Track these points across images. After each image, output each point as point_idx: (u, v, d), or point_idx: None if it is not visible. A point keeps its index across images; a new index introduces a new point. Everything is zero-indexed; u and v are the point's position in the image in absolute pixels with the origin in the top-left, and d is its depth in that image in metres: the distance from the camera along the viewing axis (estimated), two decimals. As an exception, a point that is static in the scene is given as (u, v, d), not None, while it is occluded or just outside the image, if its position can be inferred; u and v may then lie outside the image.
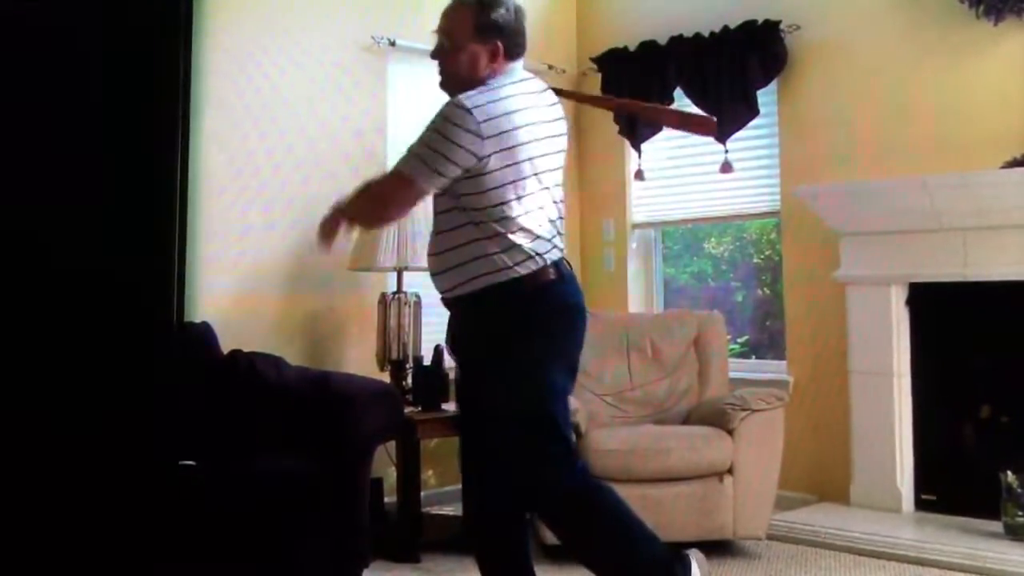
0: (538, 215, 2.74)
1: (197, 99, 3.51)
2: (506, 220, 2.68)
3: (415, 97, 5.11)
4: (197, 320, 3.93)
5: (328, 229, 2.82)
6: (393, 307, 4.49)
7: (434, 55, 2.82)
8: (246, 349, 3.93)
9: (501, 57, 2.75)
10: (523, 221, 2.70)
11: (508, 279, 2.69)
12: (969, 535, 4.04)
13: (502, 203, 2.68)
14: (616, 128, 5.33)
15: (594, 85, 5.41)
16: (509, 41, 2.76)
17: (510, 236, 2.68)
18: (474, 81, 2.73)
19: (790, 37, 4.87)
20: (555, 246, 2.77)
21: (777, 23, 4.86)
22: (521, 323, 2.71)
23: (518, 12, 2.80)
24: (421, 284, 4.64)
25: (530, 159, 2.70)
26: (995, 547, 3.88)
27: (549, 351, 2.72)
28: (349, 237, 2.65)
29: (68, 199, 2.21)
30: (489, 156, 2.63)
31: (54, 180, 2.18)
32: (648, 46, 5.20)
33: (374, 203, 2.86)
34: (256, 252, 4.51)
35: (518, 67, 2.82)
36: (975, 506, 4.20)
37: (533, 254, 2.70)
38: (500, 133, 2.64)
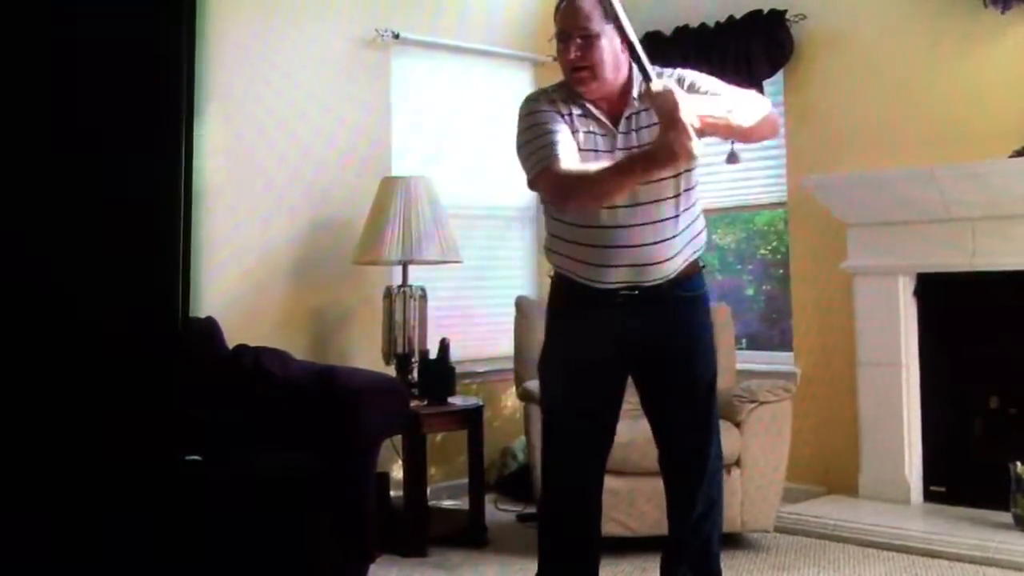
0: None
1: (200, 93, 3.50)
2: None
3: (418, 90, 5.10)
4: (202, 315, 3.92)
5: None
6: (399, 301, 4.48)
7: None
8: (252, 344, 3.92)
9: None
10: None
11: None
12: (978, 526, 4.02)
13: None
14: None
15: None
16: None
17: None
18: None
19: (796, 27, 4.84)
20: None
21: (783, 12, 4.84)
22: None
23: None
24: (426, 277, 4.65)
25: None
26: (1004, 538, 3.86)
27: None
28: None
29: (71, 195, 2.20)
30: None
31: (56, 176, 2.17)
32: (653, 37, 5.18)
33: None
34: (261, 246, 4.51)
35: None
36: (984, 497, 4.18)
37: None
38: None
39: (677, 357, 2.87)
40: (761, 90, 4.85)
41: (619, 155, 2.73)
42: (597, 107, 2.78)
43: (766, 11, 4.87)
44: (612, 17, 2.68)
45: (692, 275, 2.88)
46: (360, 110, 4.84)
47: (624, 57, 2.75)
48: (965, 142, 4.33)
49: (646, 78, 2.59)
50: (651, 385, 2.93)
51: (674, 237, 2.79)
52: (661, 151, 2.52)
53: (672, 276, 2.81)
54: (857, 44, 4.73)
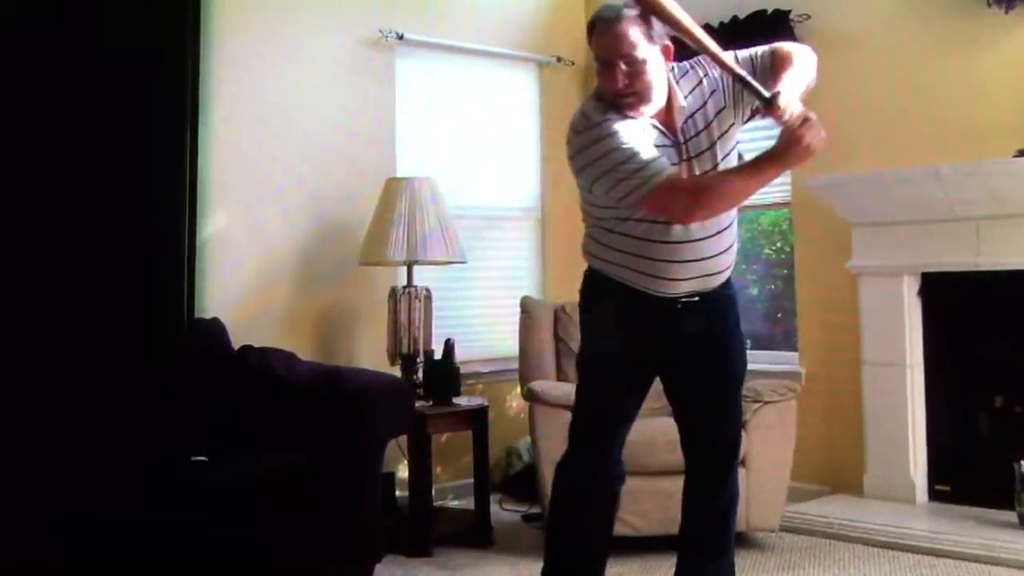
0: None
1: (205, 95, 3.51)
2: None
3: (423, 91, 5.11)
4: (208, 316, 3.93)
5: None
6: (404, 301, 4.49)
7: None
8: (257, 344, 3.93)
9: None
10: None
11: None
12: (983, 526, 4.02)
13: None
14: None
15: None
16: None
17: None
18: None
19: (800, 27, 4.84)
20: None
21: (787, 13, 4.84)
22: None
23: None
24: (431, 278, 4.66)
25: None
26: (1009, 537, 3.85)
27: None
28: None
29: (76, 196, 2.21)
30: None
31: (61, 176, 2.18)
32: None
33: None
34: (266, 247, 4.52)
35: None
36: (989, 496, 4.18)
37: None
38: None
39: (719, 353, 2.92)
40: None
41: (683, 168, 2.71)
42: (652, 121, 2.72)
43: (770, 11, 4.87)
44: (658, 37, 2.65)
45: (729, 276, 2.95)
46: (365, 111, 4.84)
47: (665, 72, 2.70)
48: (969, 141, 4.33)
49: (761, 99, 2.58)
50: (692, 380, 2.95)
51: (732, 244, 2.85)
52: (795, 151, 2.57)
53: (725, 280, 2.88)
54: (861, 44, 4.72)
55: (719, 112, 2.76)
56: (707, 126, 2.75)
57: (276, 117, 4.56)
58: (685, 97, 2.73)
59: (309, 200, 4.66)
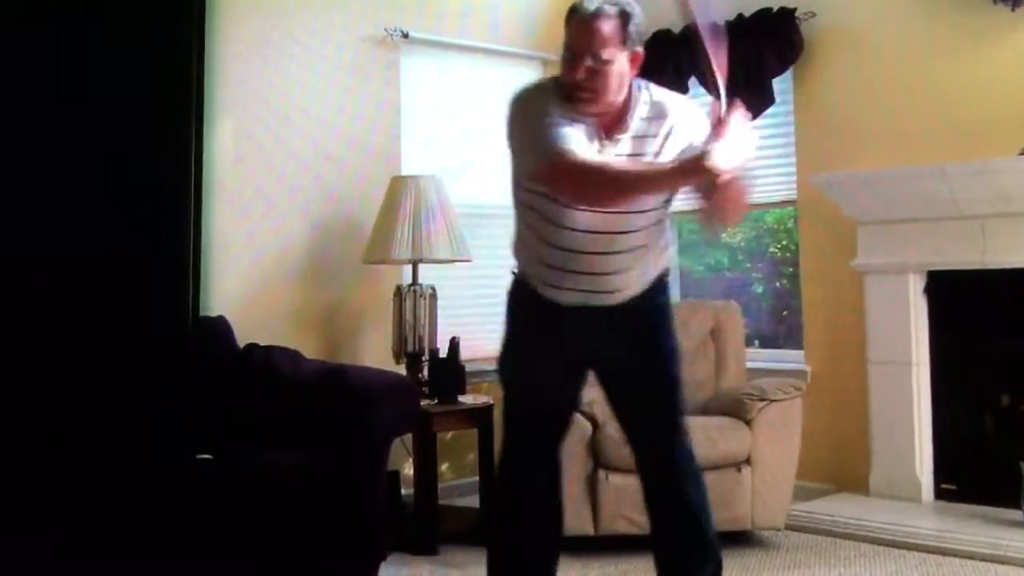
0: None
1: (210, 94, 3.51)
2: None
3: (428, 89, 5.11)
4: (213, 314, 3.93)
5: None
6: (408, 299, 4.49)
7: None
8: (262, 343, 3.93)
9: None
10: None
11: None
12: (989, 524, 4.01)
13: None
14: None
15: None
16: None
17: None
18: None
19: (806, 24, 4.83)
20: None
21: (792, 11, 4.83)
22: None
23: None
24: (436, 276, 4.66)
25: None
26: (1016, 536, 3.85)
27: None
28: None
29: (82, 195, 2.21)
30: None
31: (67, 176, 2.18)
32: (661, 35, 5.17)
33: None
34: (271, 246, 4.52)
35: None
36: (995, 495, 4.17)
37: None
38: None
39: (633, 375, 2.88)
40: (770, 88, 4.86)
41: None
42: (588, 117, 2.68)
43: (776, 9, 4.86)
44: (631, 42, 2.63)
45: (656, 287, 2.87)
46: (369, 109, 4.84)
47: (629, 78, 2.68)
48: (975, 139, 4.32)
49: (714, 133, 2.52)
50: (611, 393, 2.97)
51: (634, 267, 2.79)
52: (701, 168, 2.47)
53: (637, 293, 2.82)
54: (867, 42, 4.72)
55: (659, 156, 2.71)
56: (637, 155, 2.69)
57: (281, 116, 4.56)
58: (641, 119, 2.69)
59: (314, 198, 4.66)
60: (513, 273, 2.98)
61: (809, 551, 4.03)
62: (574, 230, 2.70)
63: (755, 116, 4.92)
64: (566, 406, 3.04)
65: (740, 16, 4.94)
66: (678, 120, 2.73)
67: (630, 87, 2.70)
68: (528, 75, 5.52)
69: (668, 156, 2.68)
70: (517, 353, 2.99)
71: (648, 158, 2.69)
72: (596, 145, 2.66)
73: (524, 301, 2.92)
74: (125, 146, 2.21)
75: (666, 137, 2.71)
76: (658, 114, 2.71)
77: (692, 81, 5.12)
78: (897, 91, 4.61)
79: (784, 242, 5.38)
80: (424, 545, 4.09)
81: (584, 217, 2.68)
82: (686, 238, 5.66)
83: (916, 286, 4.46)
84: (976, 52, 4.39)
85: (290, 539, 3.29)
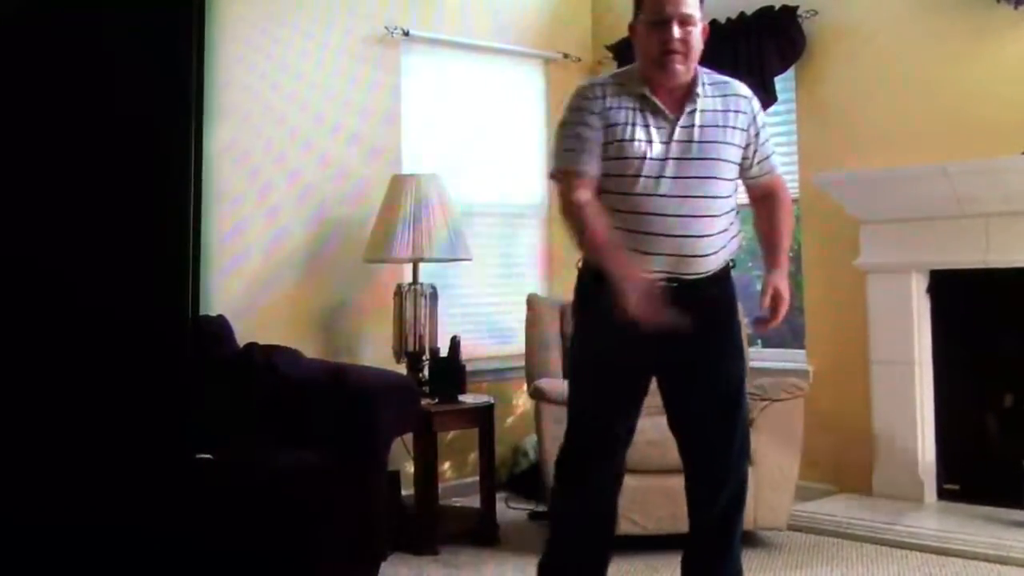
0: None
1: (210, 92, 3.49)
2: None
3: (429, 88, 5.09)
4: (213, 313, 3.92)
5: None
6: (409, 299, 4.48)
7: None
8: (262, 342, 3.92)
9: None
10: None
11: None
12: (992, 524, 4.00)
13: None
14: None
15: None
16: None
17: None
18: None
19: (808, 23, 4.82)
20: None
21: (795, 8, 4.82)
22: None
23: None
24: (436, 275, 4.65)
25: None
26: (1019, 536, 3.84)
27: None
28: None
29: (80, 195, 2.20)
30: None
31: (66, 175, 2.16)
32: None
33: None
34: (272, 245, 4.51)
35: None
36: (998, 495, 4.16)
37: None
38: None
39: (711, 362, 2.89)
40: (772, 86, 4.84)
41: (674, 147, 2.75)
42: (658, 97, 2.78)
43: (777, 7, 4.85)
44: (704, 14, 2.80)
45: (725, 276, 2.93)
46: (370, 107, 4.84)
47: (699, 50, 2.81)
48: (978, 138, 4.31)
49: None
50: (683, 389, 2.92)
51: (719, 236, 2.83)
52: (618, 280, 2.60)
53: (709, 274, 2.84)
54: (869, 40, 4.70)
55: (725, 141, 2.81)
56: (709, 126, 2.79)
57: (282, 113, 4.55)
58: (707, 98, 2.81)
59: (315, 197, 4.65)
60: (578, 267, 2.94)
61: (811, 551, 4.02)
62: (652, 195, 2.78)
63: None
64: (633, 408, 2.95)
65: (742, 14, 4.93)
66: (740, 98, 2.88)
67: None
68: (529, 73, 5.52)
69: (738, 129, 2.83)
70: (588, 348, 2.93)
71: (715, 131, 2.80)
72: (663, 123, 2.76)
73: (594, 294, 2.83)
74: (123, 144, 2.19)
75: (737, 120, 2.84)
76: (721, 92, 2.86)
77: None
78: (899, 90, 4.60)
79: (786, 241, 5.37)
80: (424, 545, 4.08)
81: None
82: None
83: (919, 285, 4.45)
84: (979, 51, 4.37)
85: (290, 539, 3.28)
